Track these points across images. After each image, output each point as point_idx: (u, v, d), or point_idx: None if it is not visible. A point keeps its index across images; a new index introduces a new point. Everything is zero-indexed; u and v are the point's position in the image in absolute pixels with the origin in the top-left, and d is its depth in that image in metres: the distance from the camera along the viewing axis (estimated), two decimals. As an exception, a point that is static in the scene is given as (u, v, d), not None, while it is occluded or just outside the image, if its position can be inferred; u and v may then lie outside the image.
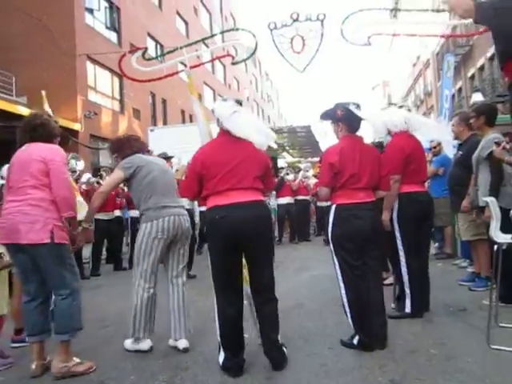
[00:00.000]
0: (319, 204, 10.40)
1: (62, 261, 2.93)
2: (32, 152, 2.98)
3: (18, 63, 14.46)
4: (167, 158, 6.55)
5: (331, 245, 3.24)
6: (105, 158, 15.86)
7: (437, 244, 7.30)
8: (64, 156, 3.08)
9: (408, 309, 3.74)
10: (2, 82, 14.23)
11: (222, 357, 2.84)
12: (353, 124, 3.31)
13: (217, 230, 2.81)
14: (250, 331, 3.20)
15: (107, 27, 17.40)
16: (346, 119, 3.30)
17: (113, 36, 17.83)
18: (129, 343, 3.30)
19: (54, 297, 3.02)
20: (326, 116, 3.41)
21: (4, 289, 3.38)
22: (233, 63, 9.20)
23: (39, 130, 3.09)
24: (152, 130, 12.45)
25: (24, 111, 12.26)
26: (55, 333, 2.94)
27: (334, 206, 3.25)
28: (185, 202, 4.22)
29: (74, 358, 2.93)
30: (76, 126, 14.58)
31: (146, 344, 3.24)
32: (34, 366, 2.91)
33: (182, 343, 3.25)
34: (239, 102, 2.98)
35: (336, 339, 3.31)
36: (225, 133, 2.94)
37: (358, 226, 3.12)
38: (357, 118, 3.27)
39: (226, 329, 2.84)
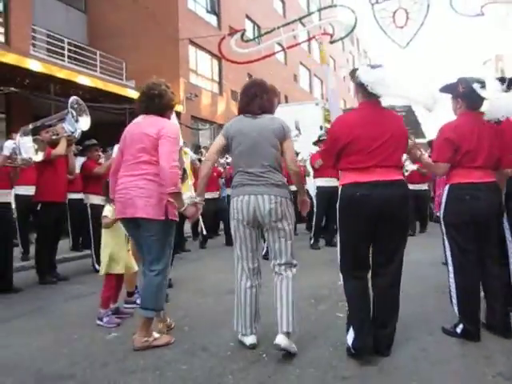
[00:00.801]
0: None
1: (167, 238, 3.01)
2: (145, 126, 3.00)
3: (128, 49, 15.53)
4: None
5: (443, 226, 3.10)
6: (204, 139, 16.57)
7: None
8: (176, 131, 3.06)
9: None
10: (114, 67, 15.43)
11: (350, 338, 2.73)
12: (473, 102, 3.07)
13: (357, 208, 2.67)
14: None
15: (208, 11, 17.92)
16: (466, 96, 3.08)
17: (213, 19, 18.33)
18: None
19: (145, 271, 3.06)
20: (446, 89, 3.17)
21: (123, 249, 3.72)
22: (331, 42, 8.96)
23: (156, 101, 3.06)
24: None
25: (133, 94, 13.20)
26: (141, 307, 3.02)
27: (447, 186, 3.08)
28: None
29: (154, 333, 3.06)
30: (178, 108, 15.32)
31: (249, 339, 2.95)
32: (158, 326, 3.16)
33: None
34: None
35: (437, 326, 3.19)
36: (368, 103, 2.79)
37: (473, 207, 2.92)
38: (479, 97, 3.01)
39: (353, 308, 2.76)
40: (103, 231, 3.73)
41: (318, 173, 7.73)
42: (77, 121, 5.38)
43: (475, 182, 2.95)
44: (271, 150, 2.89)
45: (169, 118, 3.20)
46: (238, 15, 19.47)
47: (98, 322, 3.59)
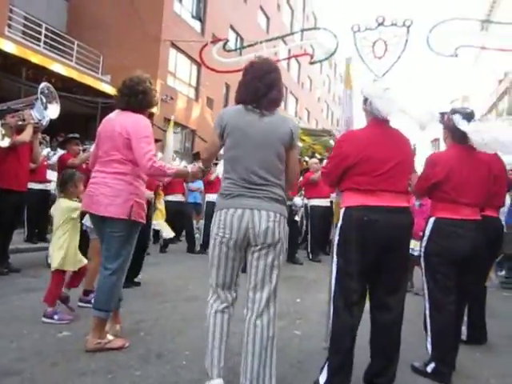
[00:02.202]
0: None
1: (128, 238, 2.94)
2: (117, 124, 2.92)
3: (107, 43, 15.26)
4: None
5: (422, 261, 2.99)
6: (176, 143, 16.41)
7: (503, 272, 6.92)
8: (147, 128, 2.92)
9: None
10: (91, 59, 15.12)
11: (323, 378, 2.52)
12: (456, 135, 2.96)
13: (362, 233, 2.46)
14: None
15: (193, 16, 17.91)
16: (450, 128, 3.02)
17: (197, 25, 18.32)
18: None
19: (101, 269, 2.99)
20: (439, 118, 3.04)
21: (74, 245, 3.65)
22: (311, 63, 9.08)
23: (139, 97, 2.97)
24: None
25: (107, 89, 12.97)
26: (94, 307, 2.92)
27: (432, 219, 2.97)
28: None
29: (108, 335, 2.98)
30: (153, 109, 15.16)
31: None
32: (106, 328, 3.02)
33: None
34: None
35: (407, 362, 2.96)
36: (377, 123, 2.61)
37: (457, 244, 2.83)
38: (458, 131, 2.91)
39: (337, 346, 2.50)
40: (68, 228, 3.62)
41: (311, 192, 8.07)
42: (46, 108, 5.24)
43: (463, 218, 2.85)
44: (275, 160, 2.37)
45: (146, 116, 3.08)
46: (223, 24, 19.55)
47: (46, 320, 3.43)
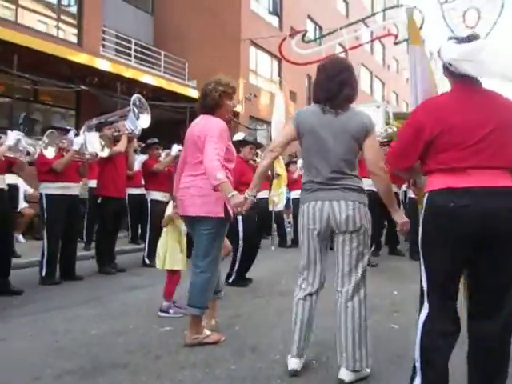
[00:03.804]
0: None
1: (217, 236, 3.01)
2: (197, 128, 3.06)
3: (191, 50, 15.93)
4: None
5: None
6: (262, 139, 16.64)
7: None
8: (216, 129, 2.94)
9: None
10: (177, 67, 15.88)
11: None
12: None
13: (449, 224, 1.95)
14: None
15: (270, 12, 17.99)
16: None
17: (274, 20, 18.37)
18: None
19: (193, 268, 3.07)
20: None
21: (176, 246, 3.79)
22: (395, 43, 8.64)
23: (205, 100, 3.09)
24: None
25: (194, 94, 13.52)
26: (188, 304, 3.03)
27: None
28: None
29: (205, 330, 3.08)
30: (237, 108, 15.52)
31: (292, 363, 2.58)
32: (203, 323, 3.15)
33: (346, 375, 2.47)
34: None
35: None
36: (463, 86, 2.07)
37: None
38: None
39: (430, 355, 2.02)
40: (164, 228, 3.82)
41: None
42: (138, 118, 5.58)
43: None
44: (350, 155, 2.48)
45: (222, 116, 3.09)
46: (300, 16, 19.37)
47: (162, 314, 3.68)
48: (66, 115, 12.66)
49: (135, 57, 14.35)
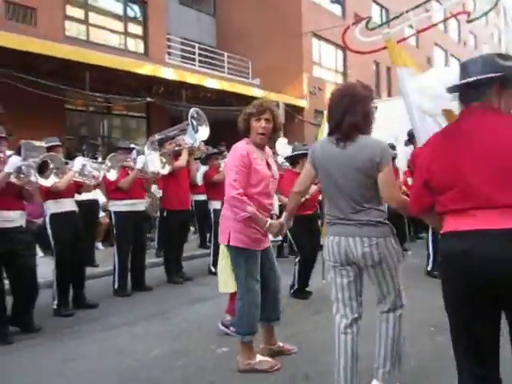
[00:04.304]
0: None
1: (234, 264, 3.04)
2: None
3: (253, 48, 15.98)
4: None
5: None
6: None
7: None
8: (234, 159, 2.95)
9: None
10: (240, 66, 16.02)
11: None
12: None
13: (459, 273, 1.74)
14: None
15: (332, 1, 17.51)
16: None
17: (337, 9, 17.86)
18: None
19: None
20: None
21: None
22: (468, 21, 7.97)
23: (238, 125, 3.10)
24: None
25: (257, 93, 13.57)
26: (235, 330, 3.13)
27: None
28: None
29: (258, 356, 3.06)
30: (301, 103, 15.34)
31: None
32: (260, 347, 3.20)
33: None
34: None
35: None
36: (471, 110, 1.82)
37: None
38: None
39: None
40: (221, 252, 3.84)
41: None
42: (197, 131, 5.69)
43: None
44: (360, 190, 2.35)
45: (253, 139, 3.02)
46: (364, 1, 18.64)
47: (222, 328, 3.71)
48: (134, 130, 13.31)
49: (199, 60, 14.69)
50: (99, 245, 8.12)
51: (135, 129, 13.42)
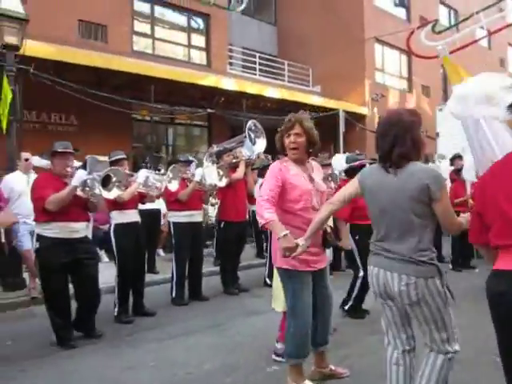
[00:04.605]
0: None
1: (284, 285, 3.01)
2: None
3: (314, 55, 15.88)
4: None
5: None
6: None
7: None
8: (267, 176, 2.94)
9: None
10: (301, 74, 15.97)
11: None
12: None
13: (499, 316, 1.73)
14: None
15: (396, 4, 17.00)
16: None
17: (401, 12, 17.31)
18: None
19: None
20: None
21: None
22: (539, 24, 7.39)
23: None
24: (441, 110, 11.55)
25: (317, 100, 13.46)
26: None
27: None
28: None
29: (307, 381, 2.98)
30: (363, 110, 15.00)
31: None
32: (311, 369, 3.16)
33: None
34: None
35: None
36: None
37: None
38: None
39: None
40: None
41: None
42: (254, 143, 5.72)
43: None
44: (408, 218, 2.21)
45: (288, 156, 3.03)
46: (431, 2, 17.91)
47: (276, 358, 3.52)
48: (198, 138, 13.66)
49: (260, 70, 14.83)
50: (160, 251, 8.41)
51: (198, 137, 13.78)
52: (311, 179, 2.98)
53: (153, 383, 3.24)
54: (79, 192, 3.99)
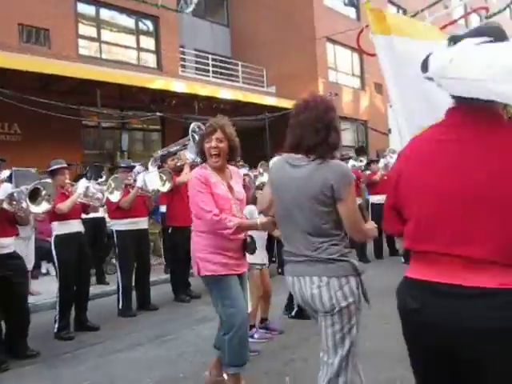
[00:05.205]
0: None
1: (211, 295, 2.87)
2: None
3: (268, 56, 15.88)
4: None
5: None
6: (349, 136, 16.06)
7: None
8: (190, 186, 2.87)
9: None
10: (255, 75, 15.94)
11: None
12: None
13: (410, 332, 1.43)
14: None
15: (345, 4, 17.27)
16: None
17: (351, 12, 17.60)
18: None
19: None
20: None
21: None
22: (487, 17, 7.58)
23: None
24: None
25: (271, 101, 13.44)
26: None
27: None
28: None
29: None
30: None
31: None
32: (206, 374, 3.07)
33: None
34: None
35: None
36: (458, 113, 1.36)
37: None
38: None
39: None
40: None
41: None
42: (199, 146, 5.61)
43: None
44: (313, 218, 2.00)
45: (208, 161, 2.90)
46: (380, 1, 18.28)
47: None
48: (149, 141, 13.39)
49: (213, 71, 14.69)
50: (113, 260, 8.13)
51: (153, 142, 13.49)
52: (230, 188, 2.88)
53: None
54: (5, 205, 3.76)
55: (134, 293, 5.43)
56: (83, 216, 5.87)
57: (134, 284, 5.42)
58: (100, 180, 5.28)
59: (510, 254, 1.23)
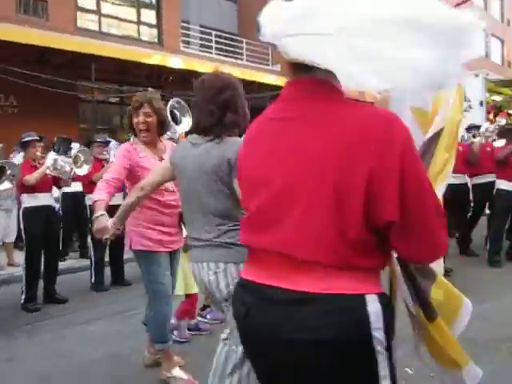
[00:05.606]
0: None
1: (141, 269, 2.83)
2: None
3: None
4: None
5: None
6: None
7: None
8: (116, 156, 2.92)
9: None
10: (261, 53, 15.65)
11: None
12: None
13: (245, 340, 1.22)
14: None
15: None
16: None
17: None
18: None
19: None
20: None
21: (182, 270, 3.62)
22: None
23: None
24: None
25: (275, 80, 13.18)
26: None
27: None
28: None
29: (177, 369, 2.85)
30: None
31: None
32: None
33: None
34: None
35: None
36: (294, 87, 1.16)
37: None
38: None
39: None
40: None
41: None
42: (180, 122, 5.49)
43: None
44: (212, 197, 1.95)
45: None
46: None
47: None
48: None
49: (217, 48, 14.46)
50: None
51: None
52: (162, 160, 2.78)
53: (27, 375, 3.08)
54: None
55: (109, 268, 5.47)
56: (65, 190, 5.87)
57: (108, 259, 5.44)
58: (70, 153, 5.17)
59: (336, 253, 1.01)
